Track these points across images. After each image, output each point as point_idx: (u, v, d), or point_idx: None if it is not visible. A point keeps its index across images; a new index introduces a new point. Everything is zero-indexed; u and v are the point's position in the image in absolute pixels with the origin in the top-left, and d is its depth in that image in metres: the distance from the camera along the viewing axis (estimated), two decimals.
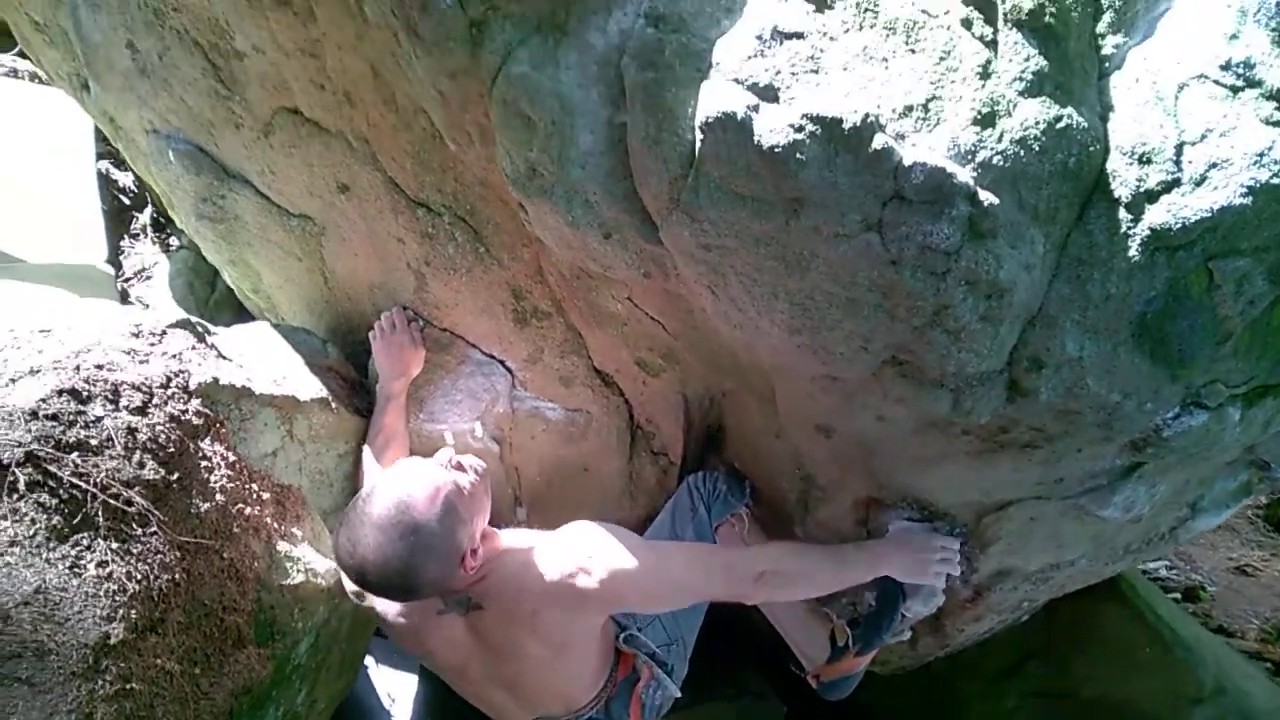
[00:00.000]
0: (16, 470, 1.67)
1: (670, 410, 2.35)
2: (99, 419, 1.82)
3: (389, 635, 2.04)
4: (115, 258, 4.32)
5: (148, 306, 4.03)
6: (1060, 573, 2.25)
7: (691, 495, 2.37)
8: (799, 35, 1.43)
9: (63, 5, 2.66)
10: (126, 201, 4.77)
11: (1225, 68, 1.39)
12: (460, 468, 1.77)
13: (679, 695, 2.08)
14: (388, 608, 1.91)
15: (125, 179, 4.76)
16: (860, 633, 2.24)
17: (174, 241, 4.57)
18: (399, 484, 1.66)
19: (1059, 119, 1.37)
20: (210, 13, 2.16)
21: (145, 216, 4.65)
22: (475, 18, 1.54)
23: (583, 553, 1.73)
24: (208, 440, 1.98)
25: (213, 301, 4.14)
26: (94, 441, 1.79)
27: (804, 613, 2.35)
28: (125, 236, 4.52)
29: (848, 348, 1.60)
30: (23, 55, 4.95)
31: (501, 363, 2.37)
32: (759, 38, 1.44)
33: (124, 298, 4.06)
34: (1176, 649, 2.74)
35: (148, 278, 4.31)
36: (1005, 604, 2.37)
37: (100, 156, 4.66)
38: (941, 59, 1.39)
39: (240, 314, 3.77)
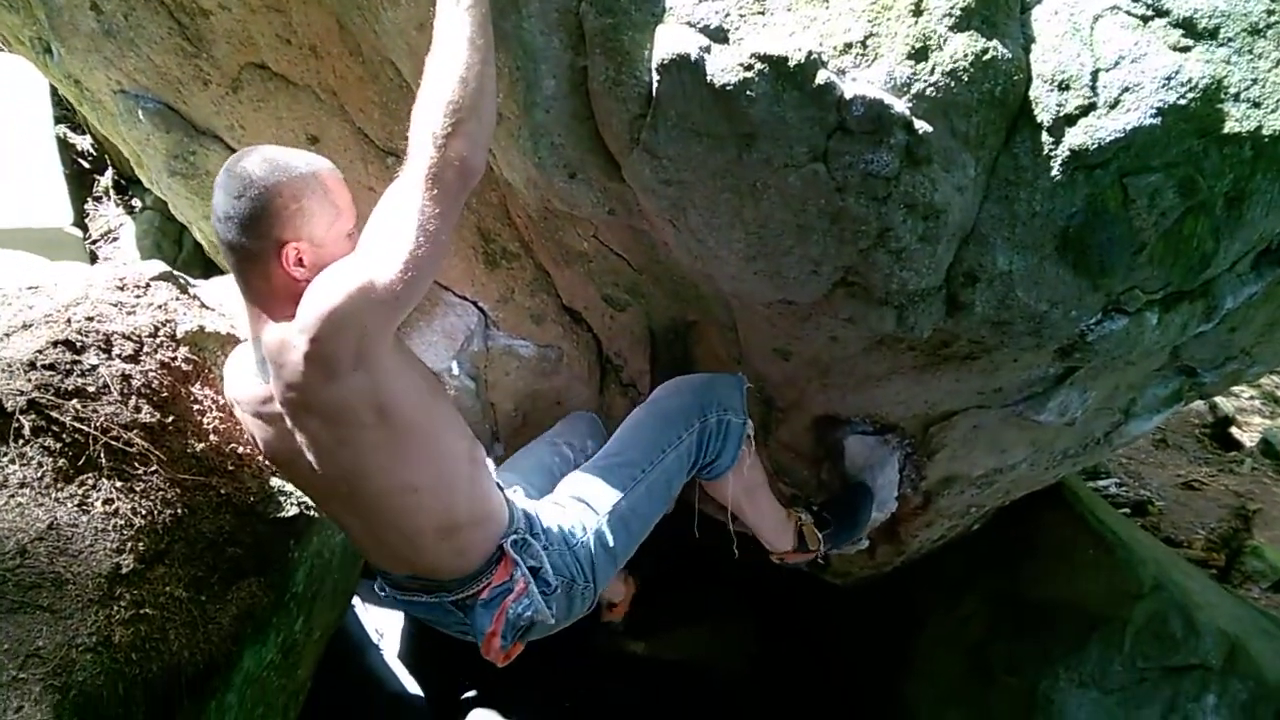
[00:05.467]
0: (21, 417, 1.76)
1: (637, 343, 2.47)
2: (94, 367, 1.92)
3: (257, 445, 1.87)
4: (81, 221, 4.34)
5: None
6: (1003, 477, 2.41)
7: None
8: None
9: None
10: (86, 165, 4.77)
11: None
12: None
13: (551, 625, 1.89)
14: (236, 387, 1.77)
15: (84, 143, 4.75)
16: (830, 533, 2.42)
17: (137, 203, 4.59)
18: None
19: (985, 51, 1.49)
20: None
21: (106, 179, 4.67)
22: None
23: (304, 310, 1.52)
24: (198, 385, 2.08)
25: (180, 260, 4.19)
26: (91, 388, 1.88)
27: (772, 514, 2.40)
28: (89, 200, 4.54)
29: (800, 271, 1.73)
30: None
31: (475, 304, 2.48)
32: None
33: (93, 259, 4.10)
34: (1118, 550, 2.93)
35: (114, 239, 4.35)
36: (954, 508, 2.54)
37: (57, 121, 4.64)
38: None
39: (209, 270, 3.83)
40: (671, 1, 1.56)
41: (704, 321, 2.27)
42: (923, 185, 1.55)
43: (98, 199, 4.59)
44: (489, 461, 1.91)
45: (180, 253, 4.24)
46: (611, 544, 1.94)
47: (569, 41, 1.67)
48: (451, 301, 2.47)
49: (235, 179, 1.55)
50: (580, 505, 1.95)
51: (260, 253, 1.56)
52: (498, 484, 1.89)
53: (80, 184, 4.63)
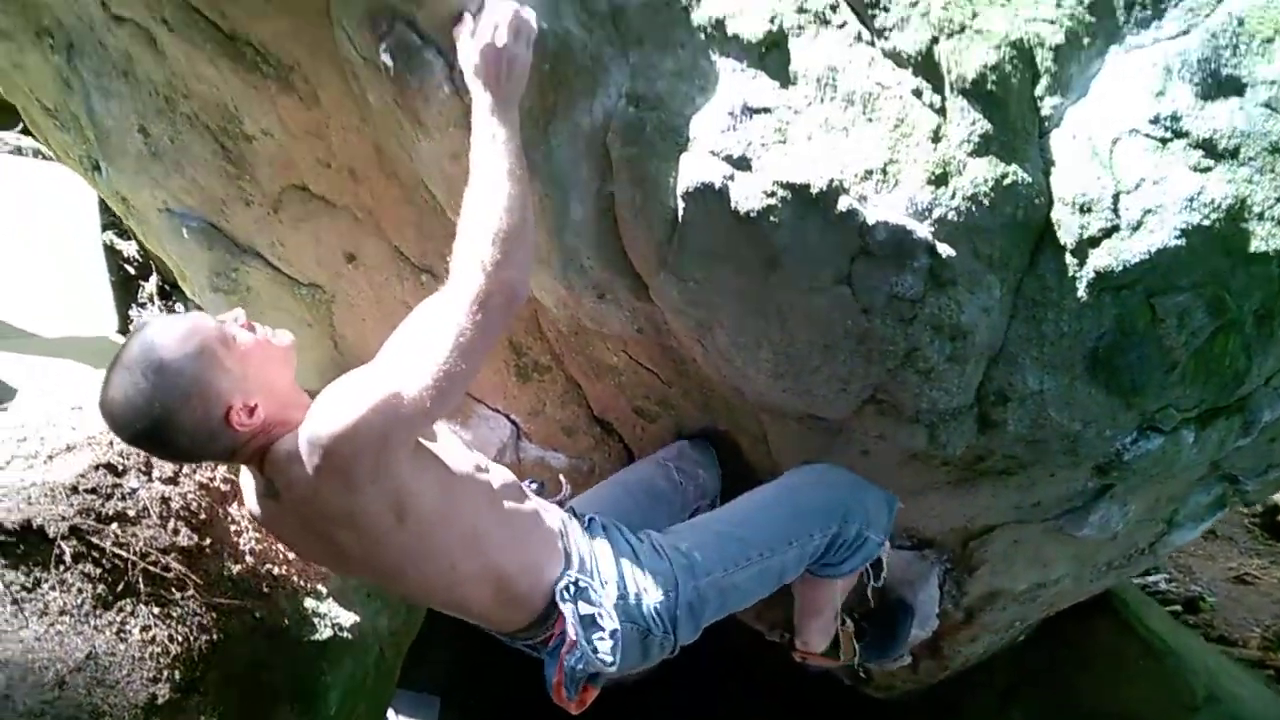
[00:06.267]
0: (62, 543, 1.79)
1: None
2: (134, 490, 1.95)
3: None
4: (125, 327, 4.45)
5: None
6: (1047, 591, 2.36)
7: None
8: (767, 110, 1.57)
9: (74, 93, 2.80)
10: (132, 271, 4.91)
11: (1154, 122, 1.53)
12: (249, 327, 1.57)
13: (611, 670, 1.77)
14: (249, 500, 1.71)
15: (129, 248, 4.90)
16: (865, 645, 2.36)
17: (180, 308, 4.71)
18: (153, 325, 1.49)
19: (1005, 175, 1.51)
20: (219, 99, 2.30)
21: (151, 285, 4.80)
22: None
23: (318, 407, 1.49)
24: (235, 505, 2.10)
25: None
26: (131, 512, 1.91)
27: (831, 613, 2.28)
28: (133, 305, 4.67)
29: (829, 390, 1.73)
30: (26, 132, 5.11)
31: (506, 416, 2.50)
32: (730, 113, 1.58)
33: None
34: (1169, 659, 2.84)
35: None
36: (998, 624, 2.48)
37: (105, 228, 4.80)
38: (896, 126, 1.53)
39: None
40: (695, 131, 1.61)
41: (735, 431, 2.27)
42: (948, 307, 1.55)
43: (142, 305, 4.72)
44: (566, 488, 1.92)
45: None
46: (701, 609, 1.85)
47: (596, 169, 1.71)
48: (484, 414, 2.49)
49: (129, 421, 1.45)
50: (682, 560, 1.85)
51: (211, 446, 1.50)
52: (566, 517, 1.84)
53: (126, 290, 4.76)
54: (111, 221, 4.80)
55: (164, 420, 1.43)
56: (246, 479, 1.71)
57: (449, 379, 1.46)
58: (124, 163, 2.73)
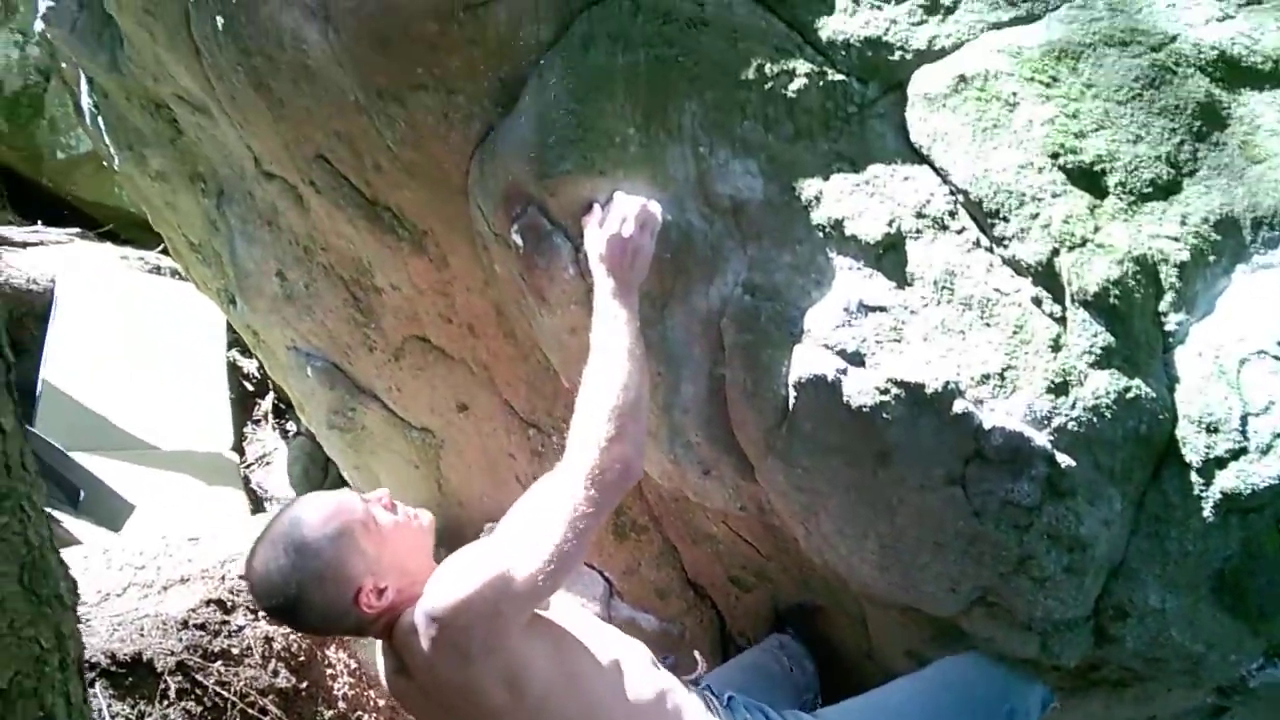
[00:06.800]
0: (168, 678, 1.85)
1: (762, 624, 2.42)
2: (241, 628, 2.01)
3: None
4: (239, 444, 4.65)
5: (268, 492, 4.31)
6: None
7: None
8: (882, 308, 1.60)
9: (219, 234, 3.01)
10: (250, 388, 5.15)
11: None
12: (391, 507, 1.63)
13: None
14: (382, 677, 1.72)
15: (250, 366, 5.15)
16: None
17: (292, 427, 4.90)
18: (302, 502, 1.57)
19: (1128, 389, 1.49)
20: (354, 254, 2.45)
21: (267, 403, 5.02)
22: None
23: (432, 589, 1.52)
24: (333, 648, 2.14)
25: (326, 485, 4.41)
26: (236, 650, 1.96)
27: None
28: (248, 423, 4.87)
29: (936, 588, 1.69)
30: (164, 252, 5.46)
31: (601, 573, 2.51)
32: (846, 309, 1.61)
33: (246, 483, 4.35)
34: None
35: (268, 463, 4.63)
36: None
37: (230, 345, 5.06)
38: (1015, 332, 1.54)
39: None
40: (809, 324, 1.64)
41: (833, 609, 2.23)
42: (1067, 518, 1.52)
43: (256, 422, 4.92)
44: (701, 666, 1.87)
45: (326, 479, 4.47)
46: None
47: (709, 351, 1.76)
48: (579, 570, 2.50)
49: (266, 594, 1.53)
50: None
51: (342, 623, 1.56)
52: (704, 696, 1.78)
53: (243, 407, 4.98)
54: (236, 340, 5.06)
55: (299, 598, 1.49)
56: (380, 656, 1.72)
57: (561, 554, 1.48)
58: (259, 302, 2.89)
